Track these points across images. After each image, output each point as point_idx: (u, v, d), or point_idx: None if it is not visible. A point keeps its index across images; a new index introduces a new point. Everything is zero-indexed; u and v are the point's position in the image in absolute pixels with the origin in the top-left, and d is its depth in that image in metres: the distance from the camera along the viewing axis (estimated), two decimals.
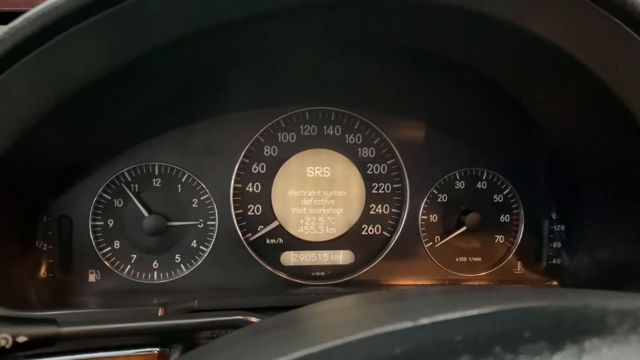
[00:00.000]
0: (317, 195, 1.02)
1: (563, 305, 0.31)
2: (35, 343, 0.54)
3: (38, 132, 0.68)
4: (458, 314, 0.30)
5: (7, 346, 0.52)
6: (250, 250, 0.98)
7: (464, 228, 1.02)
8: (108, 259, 0.94)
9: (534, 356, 0.25)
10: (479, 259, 1.05)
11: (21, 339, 0.53)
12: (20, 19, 0.55)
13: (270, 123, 0.99)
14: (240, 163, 0.98)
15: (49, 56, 0.58)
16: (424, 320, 0.30)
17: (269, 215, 1.00)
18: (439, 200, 1.03)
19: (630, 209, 0.88)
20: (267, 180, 1.00)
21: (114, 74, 0.64)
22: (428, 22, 0.70)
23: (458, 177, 1.04)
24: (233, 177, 0.97)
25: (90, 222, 0.93)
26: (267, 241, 1.01)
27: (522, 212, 1.05)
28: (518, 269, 1.07)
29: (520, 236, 1.06)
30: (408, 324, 0.30)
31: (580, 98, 0.80)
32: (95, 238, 0.94)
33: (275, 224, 1.00)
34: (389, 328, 0.30)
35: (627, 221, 0.90)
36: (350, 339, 0.30)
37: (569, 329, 0.27)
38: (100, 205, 0.94)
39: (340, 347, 0.29)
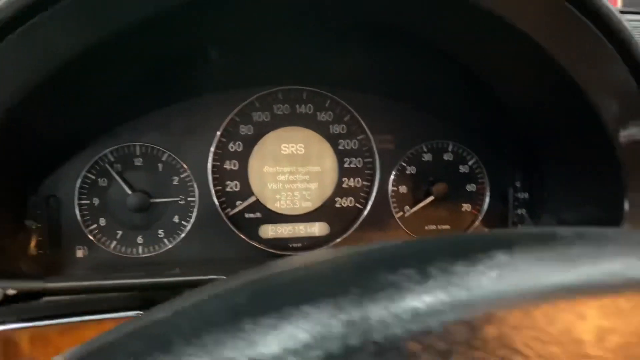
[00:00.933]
0: (292, 171, 1.08)
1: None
2: (23, 296, 0.60)
3: (22, 113, 0.73)
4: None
5: None
6: (230, 225, 1.04)
7: (432, 197, 1.08)
8: (95, 236, 1.00)
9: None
10: (447, 226, 1.11)
11: (10, 292, 0.58)
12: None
13: (245, 103, 1.04)
14: (218, 142, 1.03)
15: (24, 38, 0.63)
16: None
17: (247, 191, 1.06)
18: (407, 172, 1.09)
19: (586, 170, 0.94)
20: (244, 157, 1.06)
21: (89, 54, 0.69)
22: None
23: (425, 150, 1.10)
24: (211, 155, 1.03)
25: (76, 201, 0.98)
26: (246, 215, 1.06)
27: (487, 181, 1.11)
28: None
29: (487, 204, 1.12)
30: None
31: (530, 69, 0.85)
32: (82, 216, 0.99)
33: (252, 199, 1.05)
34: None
35: (585, 182, 0.96)
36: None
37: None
38: (85, 185, 0.99)
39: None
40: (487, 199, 1.12)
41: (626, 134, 0.84)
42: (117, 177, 0.99)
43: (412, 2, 0.79)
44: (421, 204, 1.08)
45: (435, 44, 0.94)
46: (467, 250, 0.29)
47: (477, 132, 1.10)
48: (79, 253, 0.99)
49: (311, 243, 1.08)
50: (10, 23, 0.61)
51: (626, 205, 0.85)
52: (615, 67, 0.78)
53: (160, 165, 1.01)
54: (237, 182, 1.06)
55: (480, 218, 1.12)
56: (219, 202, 1.04)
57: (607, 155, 0.85)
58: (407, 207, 1.10)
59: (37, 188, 0.97)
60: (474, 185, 1.12)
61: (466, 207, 1.12)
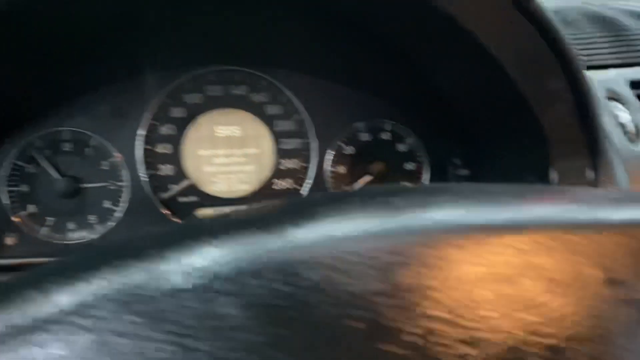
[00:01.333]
0: (229, 154, 1.06)
1: None
2: None
3: None
4: None
5: None
6: (164, 209, 1.03)
7: (369, 177, 1.07)
8: (24, 223, 0.98)
9: None
10: None
11: None
12: None
13: (176, 84, 1.03)
14: (149, 125, 1.02)
15: None
16: None
17: (181, 174, 1.05)
18: (345, 152, 1.08)
19: (520, 146, 0.94)
20: (177, 140, 1.04)
21: (12, 28, 0.67)
22: None
23: (363, 130, 1.09)
24: (141, 138, 1.01)
25: (3, 188, 0.97)
26: (181, 200, 1.05)
27: (426, 159, 1.10)
28: None
29: (427, 181, 1.11)
30: None
31: (465, 59, 0.86)
32: (11, 203, 0.98)
33: (186, 182, 1.04)
34: None
35: (519, 158, 0.96)
36: None
37: None
38: (14, 172, 0.97)
39: None
40: (427, 177, 1.11)
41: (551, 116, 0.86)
42: (44, 163, 0.97)
43: None
44: (359, 183, 1.07)
45: (373, 29, 0.93)
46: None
47: (414, 111, 1.09)
48: (9, 241, 0.98)
49: None
50: None
51: (554, 175, 0.86)
52: (543, 57, 0.78)
53: (89, 150, 1.00)
54: (170, 166, 1.04)
55: None
56: (151, 186, 1.02)
57: (537, 133, 0.86)
58: (345, 188, 1.09)
59: None
60: (412, 163, 1.11)
61: (405, 184, 1.11)
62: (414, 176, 1.11)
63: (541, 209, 0.30)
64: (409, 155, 1.10)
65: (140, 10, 0.92)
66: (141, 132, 1.01)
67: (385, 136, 1.09)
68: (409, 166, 1.11)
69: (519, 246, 0.27)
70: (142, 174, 1.02)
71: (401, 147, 1.10)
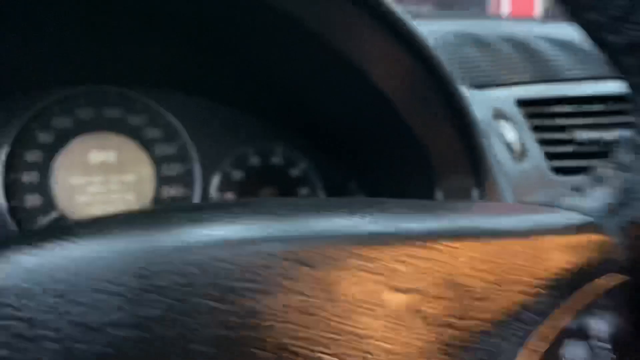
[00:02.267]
0: (105, 181, 0.98)
1: None
2: None
3: None
4: None
5: None
6: None
7: None
8: None
9: None
10: None
11: None
12: None
13: (41, 106, 0.93)
14: (10, 151, 0.92)
15: None
16: None
17: (50, 205, 0.95)
18: (233, 178, 1.02)
19: (409, 170, 0.91)
20: (45, 168, 0.95)
21: None
22: None
23: (252, 153, 1.02)
24: (2, 166, 0.92)
25: None
26: None
27: (320, 184, 1.05)
28: None
29: None
30: None
31: (330, 69, 0.81)
32: None
33: (54, 214, 0.95)
34: None
35: (407, 179, 0.92)
36: None
37: None
38: None
39: None
40: None
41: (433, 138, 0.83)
42: None
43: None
44: None
45: (250, 51, 0.87)
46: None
47: (305, 134, 1.04)
48: None
49: None
50: None
51: (439, 196, 0.85)
52: (420, 79, 0.76)
53: None
54: (37, 196, 0.95)
55: None
56: (15, 220, 0.93)
57: (421, 156, 0.83)
58: None
59: None
60: (306, 188, 1.05)
61: None
62: None
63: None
64: (303, 180, 1.05)
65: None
66: (3, 159, 0.91)
67: (277, 160, 1.04)
68: (303, 191, 1.05)
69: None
70: (4, 206, 0.92)
71: (294, 172, 1.04)
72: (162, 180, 1.00)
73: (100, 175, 0.98)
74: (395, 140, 0.88)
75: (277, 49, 0.84)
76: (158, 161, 0.99)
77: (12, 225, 0.92)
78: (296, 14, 0.72)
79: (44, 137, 0.95)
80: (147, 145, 0.99)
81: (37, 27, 0.86)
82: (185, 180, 1.01)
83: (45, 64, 0.92)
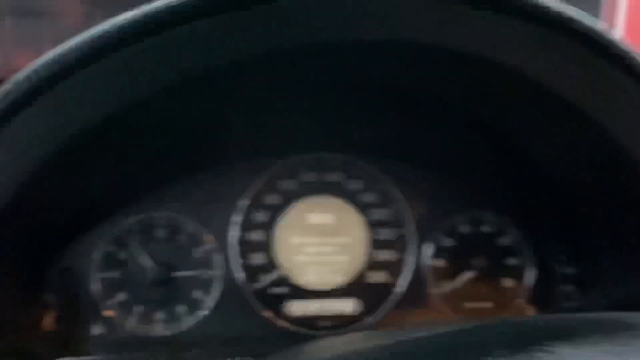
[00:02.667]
0: (321, 243, 1.02)
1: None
2: None
3: (36, 186, 0.70)
4: None
5: None
6: (254, 300, 0.98)
7: (471, 273, 1.00)
8: (113, 311, 0.94)
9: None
10: (490, 304, 1.03)
11: None
12: (26, 70, 0.58)
13: (271, 170, 1.00)
14: (243, 212, 0.99)
15: (49, 103, 0.60)
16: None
17: (273, 263, 1.00)
18: (444, 245, 1.02)
19: (624, 242, 0.87)
20: (270, 228, 1.00)
21: (111, 120, 0.66)
22: (429, 64, 0.71)
23: (463, 221, 1.03)
24: (235, 226, 0.98)
25: (94, 275, 0.94)
26: (272, 291, 1.00)
27: (530, 254, 1.03)
28: (530, 314, 1.04)
29: (530, 279, 1.03)
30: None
31: (579, 140, 0.80)
32: (100, 290, 0.94)
33: (278, 273, 0.99)
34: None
35: (623, 255, 0.88)
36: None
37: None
38: (105, 257, 0.95)
39: None
40: (532, 274, 1.03)
41: None
42: (137, 250, 0.94)
43: (445, 69, 0.75)
44: (460, 279, 1.00)
45: (469, 111, 0.89)
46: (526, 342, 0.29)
47: (517, 202, 1.03)
48: (96, 330, 0.94)
49: (341, 321, 1.00)
50: (28, 95, 0.58)
51: None
52: None
53: (182, 237, 0.97)
54: (262, 254, 1.00)
55: (524, 294, 1.03)
56: (243, 275, 0.98)
57: None
58: (444, 283, 1.02)
59: (54, 260, 0.92)
60: (515, 259, 1.04)
61: (508, 282, 1.04)
62: (517, 273, 1.03)
63: None
64: (512, 250, 1.03)
65: (236, 100, 0.91)
66: (236, 218, 0.98)
67: (486, 229, 1.03)
68: (512, 262, 1.03)
69: None
70: (235, 262, 0.97)
71: (503, 241, 1.03)
72: (375, 244, 1.02)
73: (317, 236, 1.02)
74: (632, 209, 0.84)
75: (502, 106, 0.84)
76: (372, 225, 1.02)
77: (241, 282, 0.97)
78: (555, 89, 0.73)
79: (271, 199, 1.01)
80: (362, 209, 1.02)
81: (272, 102, 0.94)
82: (398, 245, 1.02)
83: (277, 135, 0.99)
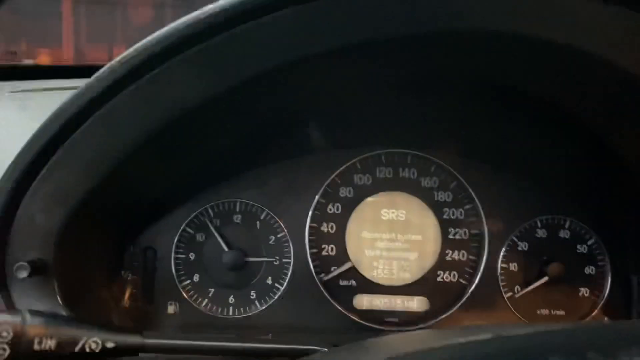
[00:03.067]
0: (392, 239, 1.02)
1: None
2: (121, 350, 0.56)
3: (133, 165, 0.73)
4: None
5: (97, 350, 0.55)
6: (323, 291, 0.99)
7: (546, 278, 0.97)
8: (187, 292, 0.97)
9: None
10: (562, 312, 1.00)
11: (109, 345, 0.55)
12: (130, 49, 0.62)
13: (347, 164, 1.01)
14: (317, 203, 1.00)
15: (151, 85, 0.63)
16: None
17: (343, 256, 1.01)
18: (519, 248, 1.00)
19: None
20: (342, 220, 1.01)
21: (204, 106, 0.69)
22: (515, 56, 0.70)
23: (539, 225, 1.00)
24: (309, 216, 0.99)
25: (173, 255, 0.97)
26: (341, 282, 1.00)
27: (608, 264, 1.00)
28: None
29: (607, 290, 1.00)
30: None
31: None
32: (177, 270, 0.97)
33: (348, 265, 1.00)
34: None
35: None
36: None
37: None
38: (183, 239, 0.98)
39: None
40: (609, 284, 1.00)
41: None
42: (215, 233, 0.97)
43: (537, 62, 0.74)
44: (534, 285, 0.98)
45: (559, 108, 0.87)
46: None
47: (598, 209, 1.00)
48: (170, 309, 0.97)
49: (408, 319, 1.00)
50: (140, 69, 0.61)
51: None
52: None
53: (258, 224, 0.99)
54: (333, 246, 1.01)
55: (599, 305, 1.00)
56: (313, 265, 0.99)
57: None
58: (517, 287, 0.99)
59: (136, 239, 0.96)
60: (593, 267, 1.00)
61: (584, 291, 1.00)
62: (595, 282, 1.00)
63: None
64: (590, 258, 1.00)
65: (317, 94, 0.92)
66: (310, 210, 0.99)
67: (564, 234, 1.00)
68: (589, 270, 1.00)
69: None
70: (307, 252, 0.99)
71: (581, 248, 1.00)
72: (447, 243, 1.01)
73: (388, 232, 1.02)
74: None
75: (594, 103, 0.81)
76: (445, 224, 1.01)
77: (312, 271, 0.99)
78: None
79: (345, 192, 1.01)
80: (436, 207, 1.01)
81: (352, 97, 0.95)
82: (471, 246, 1.01)
83: (354, 129, 1.00)
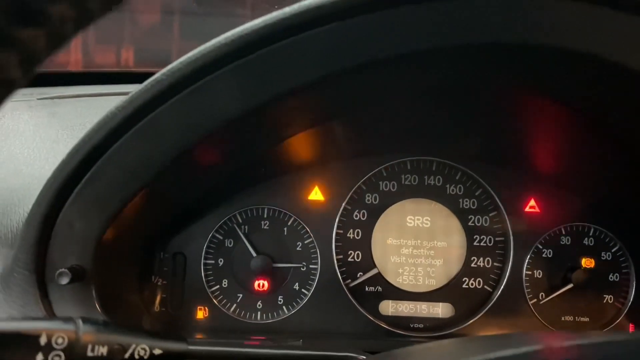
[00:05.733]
0: (417, 245, 1.03)
1: None
2: (167, 357, 0.58)
3: (168, 174, 0.75)
4: None
5: (145, 356, 0.56)
6: (350, 296, 1.00)
7: (571, 285, 0.98)
8: (216, 297, 0.98)
9: None
10: (587, 319, 1.01)
11: (157, 352, 0.57)
12: (176, 62, 0.63)
13: (373, 172, 1.02)
14: (343, 209, 1.01)
15: (194, 97, 0.65)
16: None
17: (369, 262, 1.02)
18: (543, 255, 1.01)
19: None
20: (368, 227, 1.02)
21: (242, 117, 0.70)
22: (551, 68, 0.71)
23: (564, 232, 1.01)
24: (336, 222, 1.00)
25: (202, 260, 0.98)
26: (367, 288, 1.02)
27: (632, 271, 1.00)
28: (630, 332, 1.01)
29: (632, 297, 1.00)
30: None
31: None
32: (206, 276, 0.99)
33: (374, 271, 1.01)
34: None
35: None
36: None
37: None
38: (212, 245, 0.99)
39: None
40: (633, 291, 1.00)
41: None
42: (244, 239, 0.98)
43: (569, 73, 0.75)
44: (559, 292, 0.99)
45: (584, 115, 0.88)
46: None
47: (622, 216, 1.01)
48: (200, 314, 0.98)
49: (434, 325, 1.01)
50: (183, 82, 0.63)
51: None
52: None
53: (285, 230, 1.00)
54: (359, 252, 1.02)
55: (624, 312, 1.00)
56: (340, 271, 1.00)
57: None
58: (542, 294, 1.00)
59: (166, 245, 0.97)
60: (617, 274, 1.01)
61: (608, 298, 1.01)
62: (619, 289, 1.01)
63: None
64: (614, 265, 1.01)
65: (346, 102, 0.93)
66: (336, 216, 1.00)
67: (588, 242, 1.01)
68: (613, 277, 1.01)
69: None
70: (334, 258, 1.00)
71: (605, 255, 1.01)
72: (472, 250, 1.02)
73: (413, 238, 1.03)
74: None
75: (631, 116, 0.82)
76: (470, 231, 1.02)
77: (338, 277, 1.00)
78: None
79: (371, 199, 1.03)
80: (461, 214, 1.02)
81: (379, 105, 0.96)
82: (496, 253, 1.02)
83: (381, 137, 1.00)
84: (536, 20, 0.61)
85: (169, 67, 0.63)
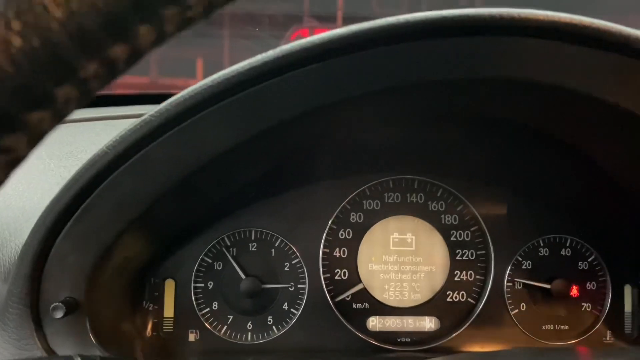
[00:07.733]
0: (402, 261, 1.06)
1: None
2: None
3: (159, 205, 0.77)
4: None
5: None
6: (338, 314, 1.02)
7: (550, 295, 1.02)
8: (207, 320, 1.00)
9: None
10: (566, 327, 1.04)
11: None
12: (165, 103, 0.65)
13: (356, 191, 1.05)
14: (329, 229, 1.04)
15: (184, 134, 0.67)
16: None
17: (355, 279, 1.04)
18: (523, 267, 1.05)
19: None
20: (354, 245, 1.05)
21: (233, 149, 0.72)
22: (524, 98, 0.75)
23: (542, 244, 1.05)
24: (322, 242, 1.03)
25: (192, 284, 1.00)
26: (354, 305, 1.04)
27: (608, 279, 1.05)
28: (607, 338, 1.05)
29: (609, 304, 1.04)
30: None
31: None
32: (197, 299, 1.00)
33: (360, 286, 1.03)
34: None
35: None
36: None
37: None
38: (201, 268, 1.01)
39: None
40: (609, 298, 1.05)
41: None
42: (232, 261, 1.00)
43: (550, 105, 0.79)
44: (539, 302, 1.03)
45: (557, 138, 0.92)
46: None
47: (596, 226, 1.05)
48: (191, 337, 1.00)
49: (420, 338, 1.04)
50: (172, 122, 0.65)
51: None
52: None
53: (273, 251, 1.02)
54: (345, 270, 1.05)
55: (602, 319, 1.05)
56: (327, 289, 1.03)
57: None
58: (523, 305, 1.04)
59: (156, 271, 0.99)
60: (594, 283, 1.05)
61: (586, 306, 1.05)
62: (596, 297, 1.05)
63: None
64: (591, 274, 1.05)
65: (331, 131, 0.96)
66: (322, 235, 1.03)
67: (565, 252, 1.05)
68: (590, 286, 1.05)
69: None
70: (321, 277, 1.02)
71: (582, 265, 1.05)
72: (455, 264, 1.05)
73: (398, 255, 1.06)
74: None
75: (587, 131, 0.86)
76: (453, 246, 1.06)
77: (326, 295, 1.02)
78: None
79: (355, 217, 1.05)
80: (443, 230, 1.06)
81: (362, 127, 0.99)
82: (478, 266, 1.05)
83: (364, 157, 1.04)
84: (506, 56, 0.64)
85: (159, 108, 0.65)
